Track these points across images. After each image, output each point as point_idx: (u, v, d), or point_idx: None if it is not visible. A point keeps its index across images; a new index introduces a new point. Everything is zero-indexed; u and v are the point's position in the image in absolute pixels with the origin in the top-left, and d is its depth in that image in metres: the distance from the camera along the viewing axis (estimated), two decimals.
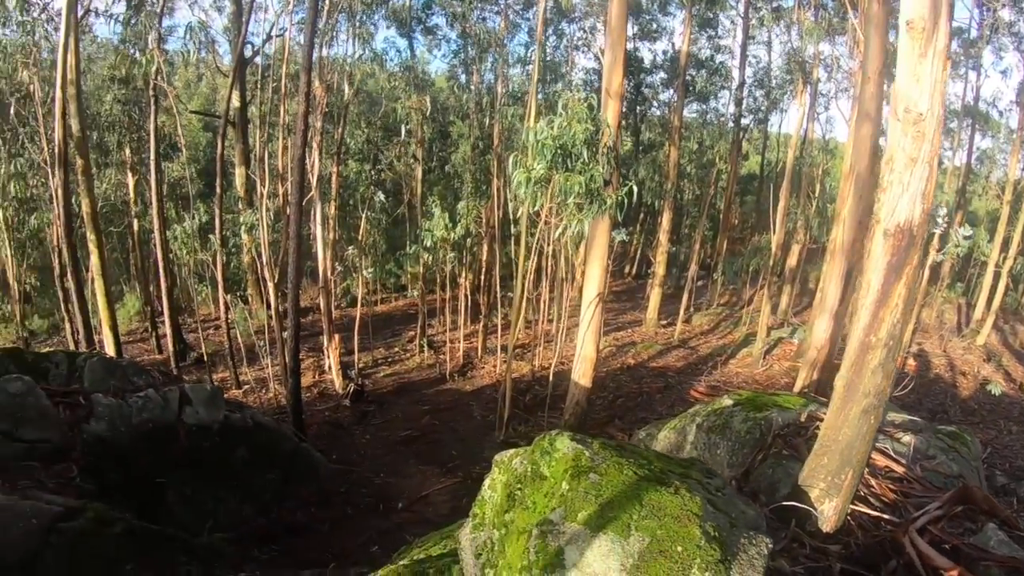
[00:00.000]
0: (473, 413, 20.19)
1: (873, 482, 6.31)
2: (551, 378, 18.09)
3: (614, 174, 14.49)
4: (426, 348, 26.83)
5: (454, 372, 23.90)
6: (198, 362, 24.75)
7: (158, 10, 21.57)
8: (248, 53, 26.68)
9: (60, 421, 10.63)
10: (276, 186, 23.83)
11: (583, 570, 3.74)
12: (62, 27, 17.10)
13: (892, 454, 6.84)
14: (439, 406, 20.96)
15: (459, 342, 25.89)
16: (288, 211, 18.35)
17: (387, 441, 18.32)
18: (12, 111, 24.44)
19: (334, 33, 23.60)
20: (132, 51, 25.29)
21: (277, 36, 26.52)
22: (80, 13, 18.04)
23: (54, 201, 22.33)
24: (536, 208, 14.94)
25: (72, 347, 20.45)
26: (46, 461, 10.03)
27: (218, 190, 20.94)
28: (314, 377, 23.44)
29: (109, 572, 8.09)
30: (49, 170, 22.25)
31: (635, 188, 13.96)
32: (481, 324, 26.79)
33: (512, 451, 4.83)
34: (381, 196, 26.11)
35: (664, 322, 30.29)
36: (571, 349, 21.00)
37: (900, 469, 6.62)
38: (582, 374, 16.27)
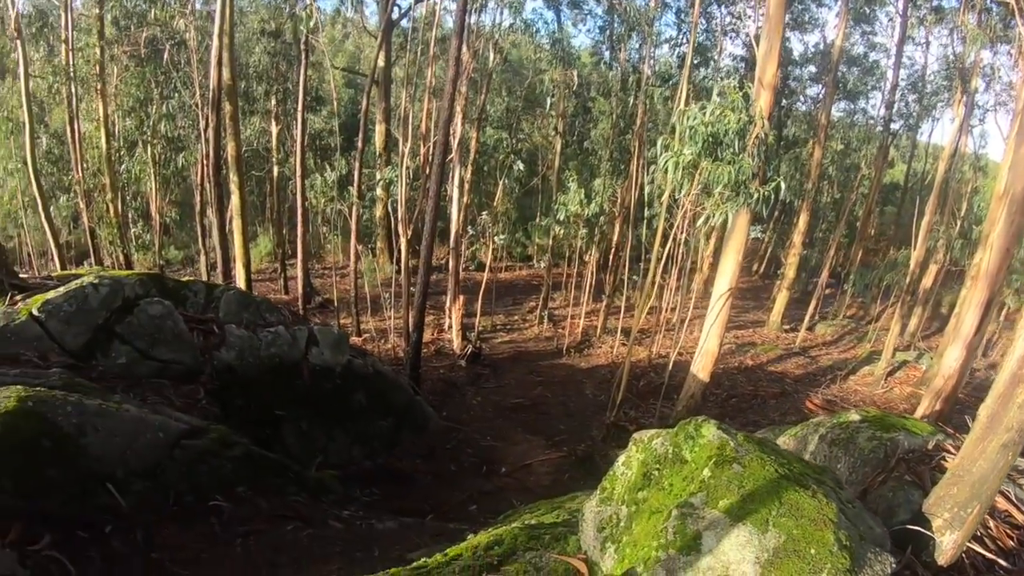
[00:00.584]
0: (585, 390, 20.04)
1: (991, 524, 5.90)
2: (670, 367, 17.72)
3: (761, 168, 14.04)
4: (546, 320, 26.80)
5: (571, 347, 23.78)
6: (322, 306, 25.43)
7: None
8: (396, 15, 26.95)
9: (193, 346, 11.06)
10: (417, 146, 24.11)
11: (718, 556, 3.72)
12: None
13: (1014, 499, 6.39)
14: (552, 379, 20.87)
15: (579, 318, 25.75)
16: (428, 171, 18.48)
17: (497, 406, 18.37)
18: (166, 56, 25.41)
19: (484, 0, 23.63)
20: (284, 6, 25.98)
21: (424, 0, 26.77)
22: None
23: (202, 142, 23.28)
24: (681, 194, 14.61)
25: (206, 279, 21.21)
26: (176, 381, 10.41)
27: (360, 145, 21.31)
28: (433, 334, 23.70)
29: (223, 491, 8.25)
30: (200, 113, 23.12)
31: (782, 185, 13.45)
32: (603, 303, 26.56)
33: (652, 431, 4.75)
34: (520, 165, 26.03)
35: (787, 326, 29.45)
36: (691, 340, 20.59)
37: (1021, 516, 6.18)
38: (701, 368, 15.93)
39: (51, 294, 10.23)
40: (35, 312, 9.73)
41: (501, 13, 24.69)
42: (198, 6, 25.14)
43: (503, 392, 19.46)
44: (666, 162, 13.59)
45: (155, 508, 7.48)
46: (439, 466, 13.84)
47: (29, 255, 31.13)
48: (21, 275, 12.73)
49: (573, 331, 25.25)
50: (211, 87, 17.82)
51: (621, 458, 4.87)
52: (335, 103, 28.03)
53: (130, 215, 27.40)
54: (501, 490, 12.96)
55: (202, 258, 24.98)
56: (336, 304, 24.46)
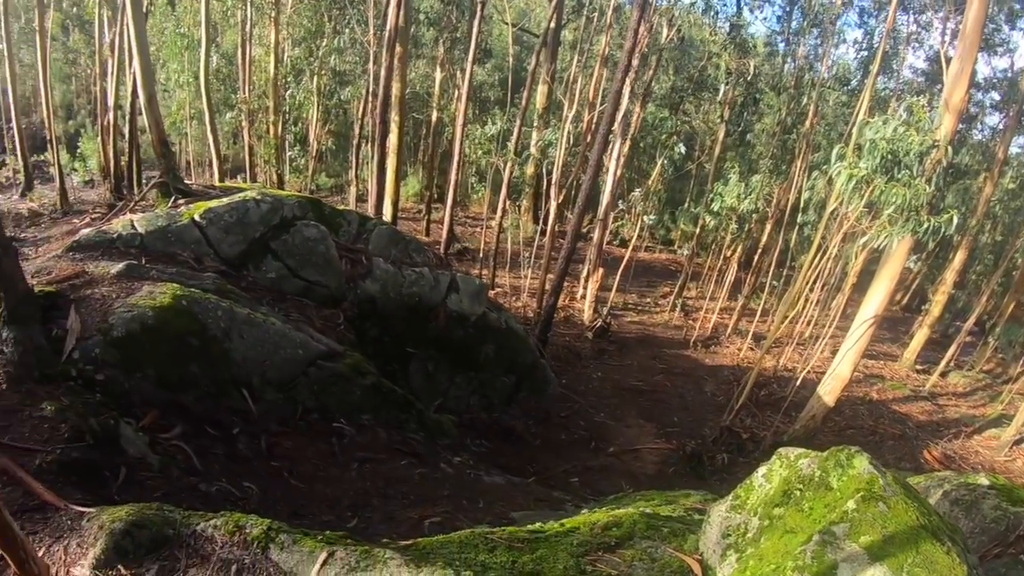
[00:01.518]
0: (705, 387, 19.57)
1: None
2: (797, 383, 17.08)
3: (934, 196, 13.23)
4: (678, 309, 26.23)
5: (699, 341, 23.23)
6: (460, 253, 25.62)
7: None
8: None
9: (340, 272, 11.36)
10: (580, 112, 23.87)
11: None
12: None
13: None
14: (674, 369, 20.47)
15: (712, 314, 25.15)
16: (589, 139, 18.24)
17: (616, 385, 18.14)
18: None
19: None
20: None
21: None
22: None
23: (368, 79, 23.61)
24: (844, 208, 13.91)
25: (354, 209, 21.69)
26: (319, 303, 10.76)
27: (523, 103, 21.22)
28: (565, 301, 23.55)
29: (348, 415, 8.52)
30: (369, 50, 23.39)
31: (955, 218, 12.58)
32: (739, 303, 25.81)
33: (800, 451, 4.57)
34: (682, 148, 25.41)
35: (920, 367, 27.92)
36: (821, 360, 19.83)
37: None
38: (829, 391, 15.30)
39: (214, 203, 10.60)
40: (197, 218, 10.11)
41: None
42: None
43: (624, 372, 19.18)
44: (837, 172, 12.95)
45: (282, 420, 7.80)
46: (550, 432, 13.81)
47: (188, 163, 32.30)
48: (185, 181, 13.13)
49: (704, 325, 24.67)
50: (388, 28, 17.92)
51: (762, 469, 4.65)
52: (497, 57, 28.01)
53: (288, 139, 28.11)
54: (605, 469, 12.85)
55: (352, 189, 25.56)
56: (477, 254, 24.59)
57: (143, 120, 20.08)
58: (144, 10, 16.04)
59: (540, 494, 8.62)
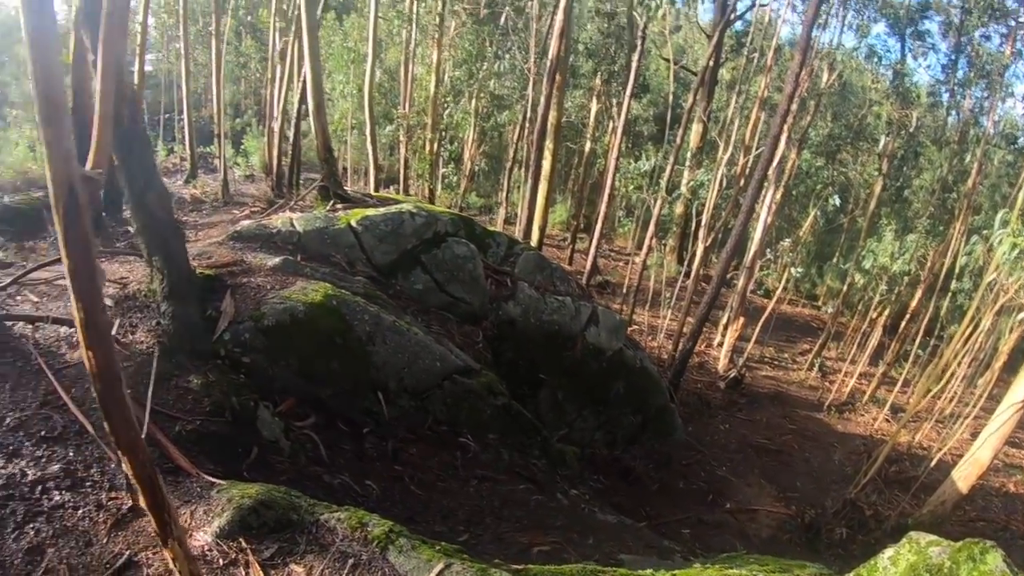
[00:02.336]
0: (833, 455, 18.76)
1: None
2: (931, 464, 16.19)
3: None
4: (816, 368, 25.31)
5: (833, 404, 22.31)
6: (601, 286, 25.56)
7: None
8: (730, 15, 26.24)
9: (485, 292, 11.47)
10: (735, 154, 23.55)
11: None
12: None
13: None
14: (804, 431, 19.73)
15: (850, 377, 24.10)
16: (741, 183, 17.96)
17: (743, 440, 17.64)
18: (503, 19, 26.28)
19: (826, 18, 22.56)
20: None
21: (762, 5, 26.13)
22: None
23: (526, 105, 23.97)
24: (1007, 280, 13.16)
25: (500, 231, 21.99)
26: (460, 319, 10.83)
27: (677, 141, 21.06)
28: (700, 347, 23.08)
29: (475, 432, 8.58)
30: (529, 77, 23.77)
31: None
32: (880, 370, 24.72)
33: (932, 537, 4.46)
34: (837, 200, 24.68)
35: None
36: (960, 441, 18.76)
37: None
38: (963, 477, 14.35)
39: (370, 211, 10.96)
40: (354, 223, 10.45)
41: (842, 33, 23.47)
42: None
43: (752, 428, 18.62)
44: (999, 239, 12.27)
45: (411, 427, 7.90)
46: (669, 478, 13.53)
47: (345, 170, 33.33)
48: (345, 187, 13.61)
49: (840, 389, 23.65)
50: (549, 57, 18.17)
51: (888, 552, 4.51)
52: (653, 92, 27.94)
53: (443, 156, 28.82)
54: (719, 525, 12.52)
55: (501, 210, 26.00)
56: (617, 289, 24.47)
57: (305, 125, 21.15)
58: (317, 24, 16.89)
59: (650, 540, 8.43)
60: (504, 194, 26.42)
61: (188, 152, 25.34)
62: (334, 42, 29.88)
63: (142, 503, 3.55)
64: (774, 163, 19.58)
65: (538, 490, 8.38)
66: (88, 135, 4.50)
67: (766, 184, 20.39)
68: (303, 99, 18.77)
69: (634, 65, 21.03)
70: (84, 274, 2.73)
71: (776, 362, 25.75)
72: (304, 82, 18.68)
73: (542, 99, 18.06)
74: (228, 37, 27.20)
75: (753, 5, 26.76)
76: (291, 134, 19.56)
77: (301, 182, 20.29)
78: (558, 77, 19.64)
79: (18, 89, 27.01)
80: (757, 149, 23.87)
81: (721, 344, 22.70)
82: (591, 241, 24.35)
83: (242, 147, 29.91)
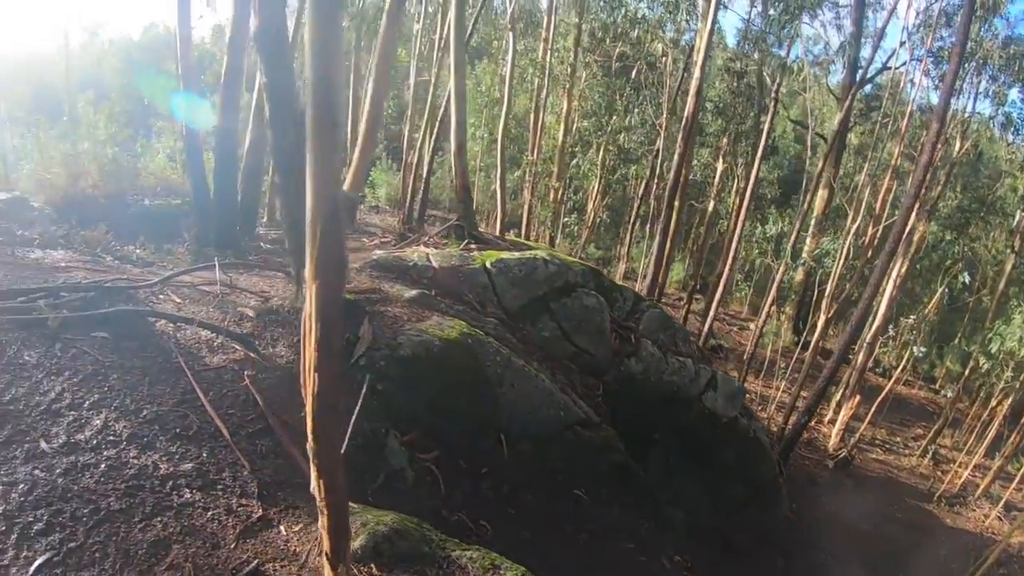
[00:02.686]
0: (940, 550, 17.83)
1: None
2: None
3: None
4: (929, 455, 24.16)
5: (943, 496, 21.23)
6: (713, 350, 25.10)
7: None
8: (859, 78, 25.70)
9: (609, 346, 11.40)
10: (864, 223, 22.97)
11: None
12: (710, 14, 18.18)
13: None
14: (911, 522, 18.92)
15: (964, 468, 22.91)
16: (869, 254, 17.48)
17: (847, 524, 17.06)
18: (634, 73, 26.40)
19: (960, 83, 21.90)
20: (754, 51, 25.92)
21: (892, 68, 25.83)
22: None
23: (655, 161, 23.96)
24: None
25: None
26: (583, 371, 10.77)
27: (803, 206, 20.81)
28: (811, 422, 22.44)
29: (588, 486, 8.48)
30: (660, 132, 23.80)
31: None
32: (997, 463, 23.42)
33: None
34: (966, 277, 23.76)
35: None
36: None
37: None
38: None
39: (504, 254, 11.17)
40: (488, 265, 10.62)
41: (976, 100, 22.76)
42: (668, 32, 25.95)
43: (858, 512, 17.90)
44: None
45: (529, 473, 7.86)
46: (769, 555, 13.30)
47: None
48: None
49: (952, 479, 22.46)
50: (686, 116, 18.12)
51: None
52: (777, 154, 27.57)
53: (564, 205, 28.86)
54: None
55: (620, 264, 25.87)
56: (730, 354, 24.03)
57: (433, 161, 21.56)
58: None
59: None
60: (626, 248, 26.33)
61: None
62: (467, 86, 30.56)
63: (321, 524, 3.57)
64: (903, 236, 19.05)
65: (643, 551, 8.34)
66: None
67: (895, 258, 19.80)
68: (436, 138, 19.17)
69: (765, 127, 20.85)
70: (330, 295, 2.79)
71: (887, 445, 24.77)
72: (439, 121, 19.17)
73: (675, 156, 18.00)
74: (362, 74, 27.95)
75: (884, 68, 26.12)
76: (424, 171, 19.94)
77: (426, 218, 20.68)
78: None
79: (165, 103, 28.25)
80: (887, 219, 23.25)
81: (832, 421, 21.96)
82: (710, 304, 24.00)
83: (370, 179, 30.60)
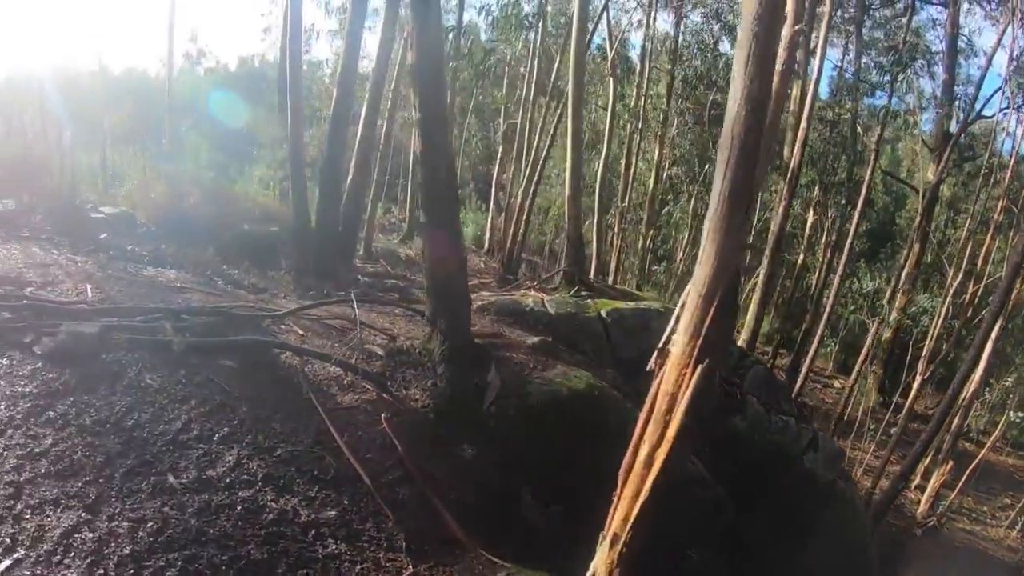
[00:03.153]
0: None
1: None
2: None
3: None
4: (1018, 527, 23.00)
5: None
6: (799, 409, 24.42)
7: None
8: (953, 128, 24.95)
9: (716, 403, 10.94)
10: (965, 283, 22.21)
11: None
12: (815, 64, 18.25)
13: None
14: None
15: None
16: (968, 313, 16.81)
17: None
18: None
19: None
20: (847, 99, 25.42)
21: (988, 117, 25.03)
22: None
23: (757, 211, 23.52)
24: None
25: None
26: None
27: (901, 262, 20.22)
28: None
29: (698, 543, 8.35)
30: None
31: None
32: None
33: None
34: None
35: None
36: None
37: None
38: None
39: (618, 304, 11.03)
40: (603, 314, 10.47)
41: None
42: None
43: None
44: None
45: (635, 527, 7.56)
46: None
47: (554, 253, 33.63)
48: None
49: None
50: (791, 167, 17.84)
51: None
52: (871, 207, 26.84)
53: (650, 251, 28.48)
54: None
55: None
56: (814, 413, 23.31)
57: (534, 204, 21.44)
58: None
59: None
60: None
61: (406, 214, 26.42)
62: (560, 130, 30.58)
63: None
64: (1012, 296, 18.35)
65: None
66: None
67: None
68: (531, 180, 19.08)
69: (866, 179, 20.42)
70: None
71: (974, 514, 23.68)
72: (539, 165, 19.10)
73: (780, 209, 17.61)
74: (454, 114, 28.13)
75: (979, 116, 25.28)
76: (525, 214, 19.90)
77: (518, 260, 20.61)
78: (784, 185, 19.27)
79: (267, 134, 28.85)
80: (988, 277, 22.44)
81: (920, 487, 21.10)
82: (797, 360, 23.39)
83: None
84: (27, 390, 4.83)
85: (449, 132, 5.82)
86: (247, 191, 20.18)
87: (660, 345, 4.00)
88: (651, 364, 3.96)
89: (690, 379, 2.39)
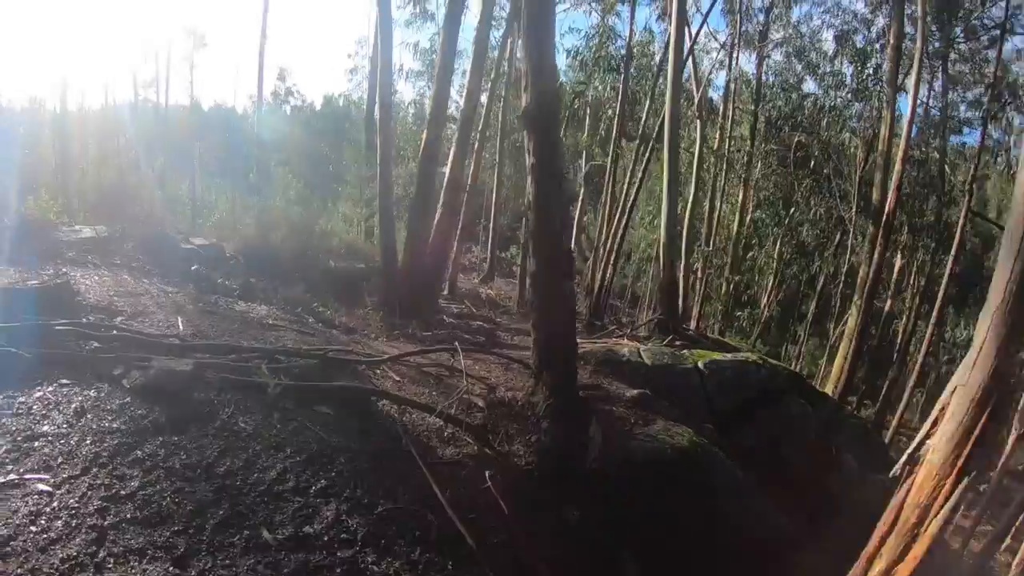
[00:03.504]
0: None
1: None
2: None
3: None
4: None
5: None
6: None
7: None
8: None
9: (811, 460, 10.38)
10: None
11: None
12: (909, 99, 17.85)
13: None
14: None
15: None
16: None
17: None
18: (813, 162, 25.62)
19: None
20: (935, 137, 24.64)
21: None
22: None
23: (839, 255, 22.77)
24: None
25: None
26: (786, 485, 9.93)
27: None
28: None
29: None
30: (850, 226, 22.71)
31: None
32: None
33: None
34: None
35: None
36: None
37: None
38: None
39: (716, 355, 10.71)
40: (700, 366, 10.14)
41: None
42: (853, 122, 24.99)
43: None
44: None
45: None
46: None
47: (636, 299, 33.14)
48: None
49: None
50: (887, 209, 17.14)
51: None
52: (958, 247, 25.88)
53: (738, 298, 27.87)
54: None
55: (794, 365, 24.59)
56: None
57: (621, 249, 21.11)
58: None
59: None
60: (800, 346, 25.06)
61: (488, 255, 26.51)
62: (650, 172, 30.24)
63: None
64: None
65: None
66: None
67: None
68: (619, 224, 18.79)
69: (960, 223, 19.62)
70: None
71: None
72: (619, 207, 18.81)
73: (875, 255, 17.02)
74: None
75: None
76: (612, 259, 19.63)
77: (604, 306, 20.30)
78: (872, 228, 18.71)
79: (351, 171, 29.20)
80: None
81: (1012, 549, 19.92)
82: (883, 411, 22.45)
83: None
84: (114, 426, 4.67)
85: (564, 179, 5.57)
86: (333, 227, 20.28)
87: (910, 450, 3.62)
88: (896, 470, 3.58)
89: (951, 492, 2.04)
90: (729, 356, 10.69)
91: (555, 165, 5.59)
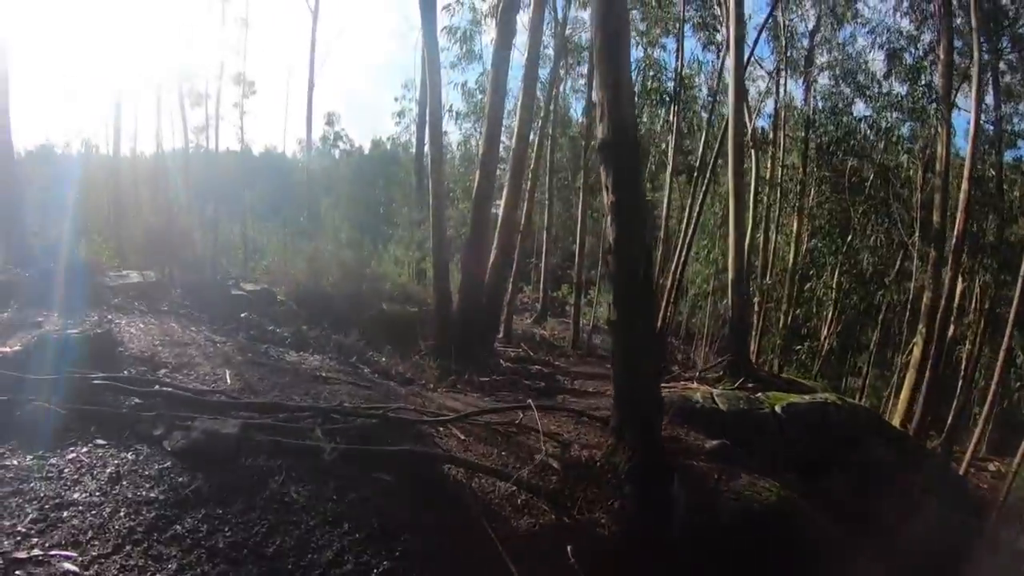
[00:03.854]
0: None
1: None
2: None
3: None
4: None
5: None
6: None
7: None
8: None
9: (896, 505, 9.89)
10: None
11: None
12: (972, 116, 17.41)
13: None
14: None
15: None
16: None
17: None
18: (868, 186, 25.34)
19: None
20: (991, 152, 23.95)
21: None
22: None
23: (907, 283, 22.14)
24: None
25: None
26: (870, 533, 9.44)
27: None
28: None
29: None
30: (912, 252, 22.15)
31: None
32: None
33: None
34: None
35: None
36: None
37: None
38: None
39: (793, 398, 10.29)
40: (778, 410, 9.76)
41: None
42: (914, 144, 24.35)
43: None
44: None
45: None
46: None
47: (691, 334, 32.60)
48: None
49: None
50: (955, 235, 16.67)
51: None
52: (1016, 270, 25.02)
53: (797, 332, 27.18)
54: None
55: (858, 398, 23.86)
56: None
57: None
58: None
59: None
60: (863, 379, 24.27)
61: (540, 295, 26.78)
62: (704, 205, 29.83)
63: None
64: None
65: None
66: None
67: None
68: (678, 261, 18.39)
69: None
70: None
71: None
72: (678, 245, 18.43)
73: (945, 280, 16.57)
74: (585, 191, 27.73)
75: None
76: (673, 298, 19.24)
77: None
78: (933, 253, 18.63)
79: (401, 214, 29.28)
80: None
81: None
82: (950, 444, 21.58)
83: (589, 296, 30.06)
84: (152, 495, 4.33)
85: (647, 219, 5.20)
86: (384, 270, 20.17)
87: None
88: None
89: None
90: (807, 398, 10.32)
91: (637, 200, 5.26)
